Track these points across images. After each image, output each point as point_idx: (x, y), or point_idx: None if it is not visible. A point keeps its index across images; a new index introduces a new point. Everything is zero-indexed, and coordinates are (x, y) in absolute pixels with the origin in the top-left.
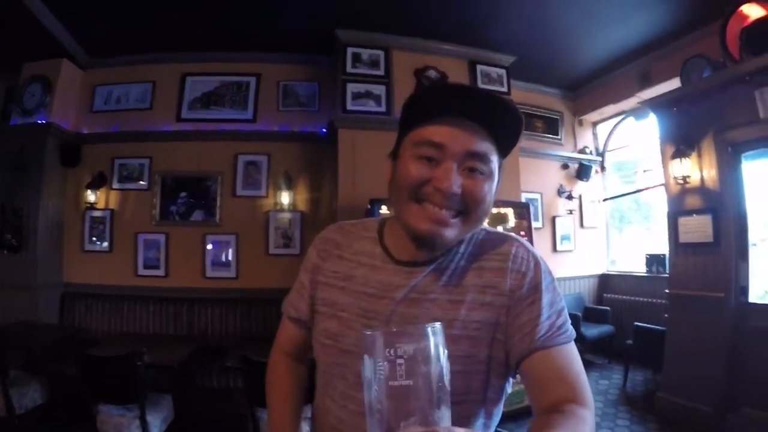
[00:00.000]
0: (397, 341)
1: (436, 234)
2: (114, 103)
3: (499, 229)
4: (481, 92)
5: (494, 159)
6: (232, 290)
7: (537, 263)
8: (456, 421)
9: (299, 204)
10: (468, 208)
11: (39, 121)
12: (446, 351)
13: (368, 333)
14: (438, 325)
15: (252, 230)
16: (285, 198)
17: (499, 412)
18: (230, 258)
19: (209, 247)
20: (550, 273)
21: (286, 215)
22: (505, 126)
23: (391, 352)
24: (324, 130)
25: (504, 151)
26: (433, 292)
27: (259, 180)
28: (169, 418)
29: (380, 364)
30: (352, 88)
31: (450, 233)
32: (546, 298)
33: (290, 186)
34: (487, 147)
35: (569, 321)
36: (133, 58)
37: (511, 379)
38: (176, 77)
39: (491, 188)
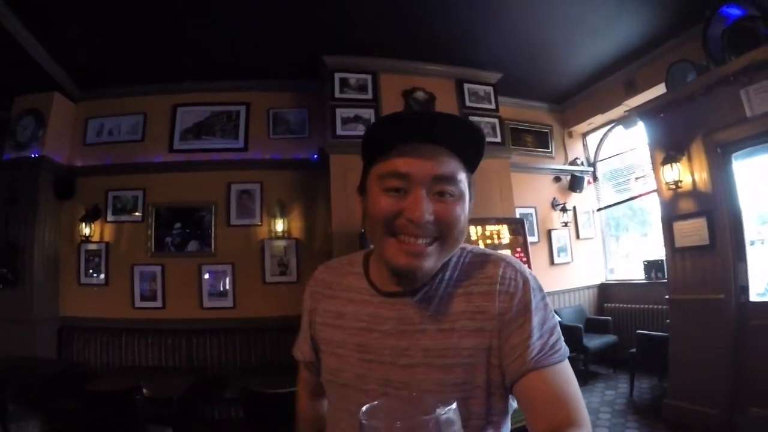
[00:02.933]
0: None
1: (416, 267)
2: (106, 135)
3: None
4: (436, 115)
5: (462, 178)
6: (230, 320)
7: (526, 282)
8: None
9: (294, 231)
10: (443, 233)
11: (32, 155)
12: None
13: (366, 423)
14: (454, 406)
15: (248, 259)
16: (279, 225)
17: (507, 429)
18: (227, 287)
19: (206, 277)
20: (540, 290)
21: (281, 243)
22: (467, 142)
23: None
24: (315, 156)
25: (471, 166)
26: (422, 323)
27: (252, 208)
28: None
29: None
30: (341, 113)
31: (428, 263)
32: (536, 318)
33: (284, 213)
34: (452, 167)
35: (562, 338)
36: (124, 90)
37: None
38: (167, 108)
39: (464, 209)
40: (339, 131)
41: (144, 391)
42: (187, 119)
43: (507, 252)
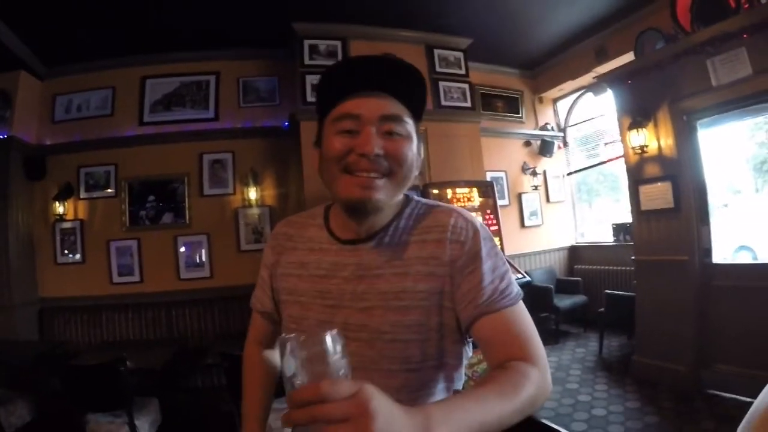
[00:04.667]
0: (303, 346)
1: (367, 197)
2: (75, 112)
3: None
4: (383, 59)
5: (409, 121)
6: (208, 290)
7: (476, 232)
8: (416, 387)
9: (267, 199)
10: (392, 168)
11: (0, 136)
12: (343, 351)
13: (282, 337)
14: (335, 331)
15: (222, 228)
16: (252, 194)
17: (461, 376)
18: (203, 258)
19: (182, 248)
20: (490, 239)
21: (255, 211)
22: (409, 87)
23: (298, 353)
24: (286, 123)
25: (417, 113)
26: (379, 268)
27: (225, 178)
28: (157, 421)
29: (291, 360)
30: (311, 80)
31: (379, 195)
32: (487, 265)
33: (257, 182)
34: (399, 109)
35: (514, 283)
36: (91, 64)
37: (470, 344)
38: (136, 81)
39: (411, 148)
40: (309, 98)
41: (128, 363)
42: (156, 91)
43: (477, 215)
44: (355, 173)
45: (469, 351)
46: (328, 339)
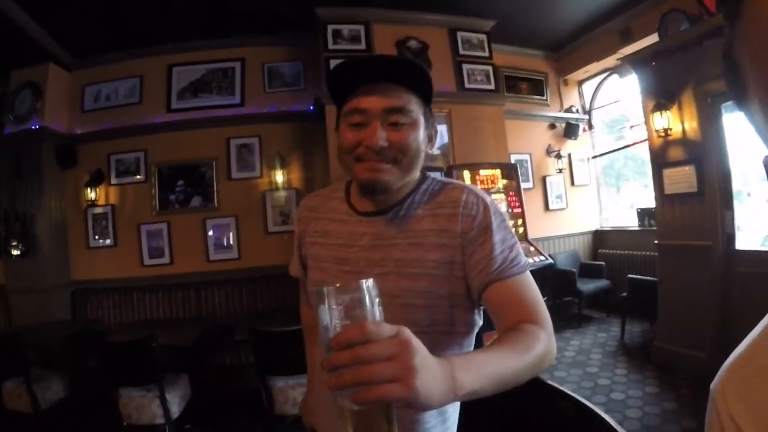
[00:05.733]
0: (340, 293)
1: (376, 179)
2: (104, 101)
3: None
4: (383, 58)
5: (414, 108)
6: (236, 271)
7: (486, 207)
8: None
9: (294, 182)
10: (397, 157)
11: (32, 127)
12: (379, 299)
13: (318, 288)
14: (371, 280)
15: (250, 211)
16: (279, 177)
17: (470, 343)
18: (231, 240)
19: (210, 231)
20: (500, 214)
21: (282, 193)
22: (415, 77)
23: (336, 301)
24: (311, 107)
25: (425, 97)
26: (394, 238)
27: (252, 162)
28: (186, 395)
29: (330, 310)
30: (335, 64)
31: (387, 176)
32: (497, 236)
33: (283, 165)
34: (403, 100)
35: (522, 254)
36: (118, 54)
37: (479, 313)
38: (162, 69)
39: (416, 135)
40: None
41: (158, 340)
42: (183, 78)
43: (501, 196)
44: (365, 161)
45: (479, 320)
46: (365, 286)
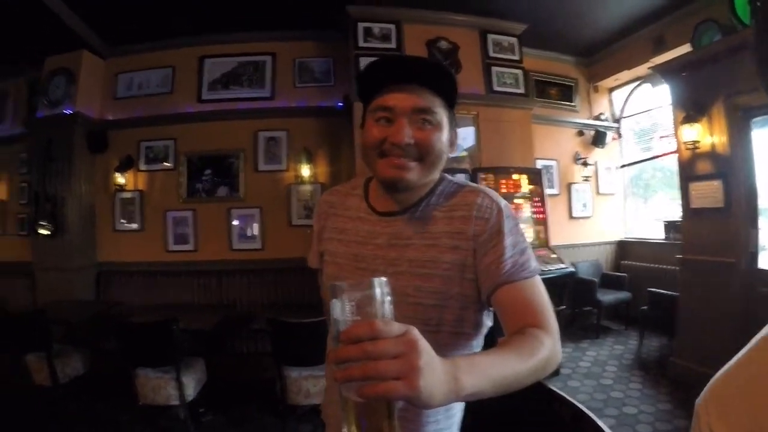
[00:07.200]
0: (353, 289)
1: (399, 177)
2: (136, 89)
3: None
4: (415, 59)
5: (439, 111)
6: (258, 261)
7: (499, 210)
8: (434, 349)
9: (319, 176)
10: (422, 155)
11: (65, 112)
12: (390, 297)
13: (333, 283)
14: (384, 278)
15: (275, 203)
16: (305, 171)
17: (479, 345)
18: (255, 230)
19: (235, 221)
20: (513, 218)
21: (307, 187)
22: (441, 80)
23: (348, 296)
24: (340, 104)
25: (450, 102)
26: (410, 238)
27: (279, 155)
28: (202, 380)
29: (342, 304)
30: (365, 62)
31: (411, 175)
32: (508, 240)
33: (310, 159)
34: (430, 101)
35: (533, 259)
36: (152, 44)
37: (489, 315)
38: (194, 60)
39: (440, 136)
40: None
41: (179, 323)
42: (214, 70)
43: (525, 202)
44: (389, 157)
45: (489, 322)
46: (377, 284)
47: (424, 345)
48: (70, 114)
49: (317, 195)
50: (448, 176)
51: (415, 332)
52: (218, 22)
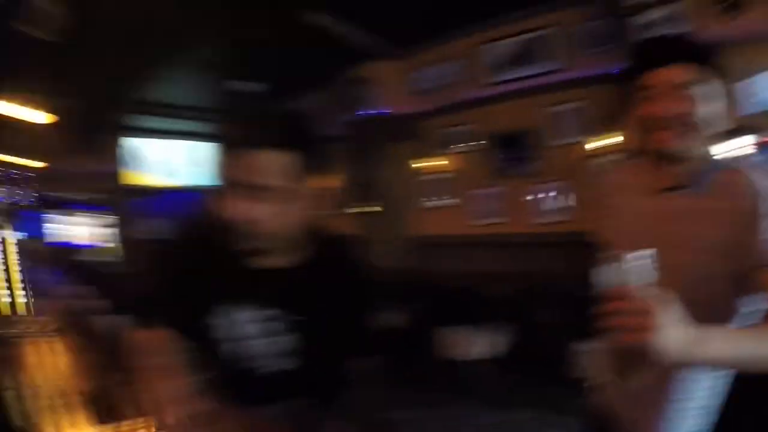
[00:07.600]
0: (624, 259)
1: (665, 144)
2: (431, 83)
3: None
4: (677, 38)
5: (699, 84)
6: (564, 234)
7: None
8: (690, 322)
9: (616, 147)
10: (685, 125)
11: (381, 112)
12: (654, 270)
13: (608, 253)
14: (651, 251)
15: (573, 176)
16: (603, 142)
17: (742, 324)
18: (559, 203)
19: (537, 195)
20: None
21: (608, 158)
22: (708, 58)
23: (619, 264)
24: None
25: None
26: (683, 213)
27: (575, 128)
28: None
29: (613, 271)
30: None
31: (676, 143)
32: None
33: (608, 129)
34: (690, 75)
35: None
36: (438, 41)
37: (753, 299)
38: (478, 47)
39: (702, 107)
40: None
41: None
42: (500, 53)
43: None
44: (660, 131)
45: (750, 305)
46: (643, 255)
47: (671, 308)
48: (379, 113)
49: (608, 168)
50: (717, 157)
51: (667, 297)
52: (495, 8)
